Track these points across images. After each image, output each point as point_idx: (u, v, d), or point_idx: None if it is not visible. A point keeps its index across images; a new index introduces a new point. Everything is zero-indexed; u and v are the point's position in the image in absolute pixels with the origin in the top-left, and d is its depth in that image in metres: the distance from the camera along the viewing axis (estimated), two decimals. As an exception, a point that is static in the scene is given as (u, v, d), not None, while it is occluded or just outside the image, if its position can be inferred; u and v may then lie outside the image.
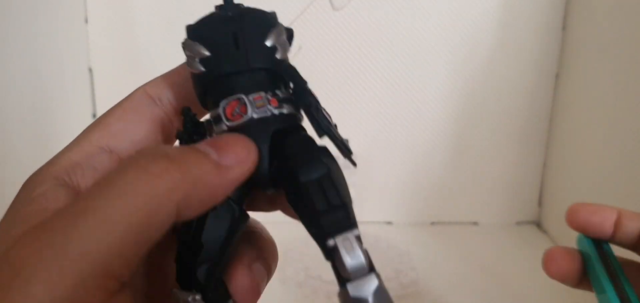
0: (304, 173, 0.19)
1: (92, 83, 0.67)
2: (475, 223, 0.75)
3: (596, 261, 0.32)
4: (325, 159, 0.20)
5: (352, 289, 0.17)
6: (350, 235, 0.18)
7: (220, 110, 0.20)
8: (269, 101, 0.20)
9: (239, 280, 0.21)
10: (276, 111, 0.20)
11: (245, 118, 0.19)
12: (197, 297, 0.19)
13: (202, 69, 0.20)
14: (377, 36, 0.67)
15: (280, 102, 0.20)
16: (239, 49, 0.20)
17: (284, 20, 0.64)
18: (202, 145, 0.18)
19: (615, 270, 0.31)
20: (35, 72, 0.55)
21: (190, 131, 0.21)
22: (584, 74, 0.64)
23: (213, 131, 0.20)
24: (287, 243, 0.63)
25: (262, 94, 0.20)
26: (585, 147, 0.63)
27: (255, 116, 0.20)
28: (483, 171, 0.73)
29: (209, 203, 0.18)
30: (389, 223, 0.74)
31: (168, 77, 0.23)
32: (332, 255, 0.18)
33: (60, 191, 0.19)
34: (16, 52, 0.51)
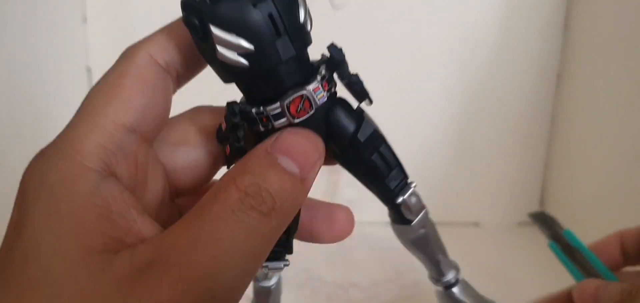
0: (366, 139, 0.22)
1: (90, 83, 0.67)
2: (476, 224, 0.75)
3: (563, 257, 0.35)
4: (373, 123, 0.23)
5: (416, 224, 0.25)
6: (411, 186, 0.24)
7: (284, 108, 0.19)
8: (323, 87, 0.20)
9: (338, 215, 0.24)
10: (328, 94, 0.21)
11: (310, 113, 0.20)
12: (286, 262, 0.24)
13: (246, 63, 0.19)
14: (378, 36, 0.67)
15: (329, 83, 0.21)
16: (280, 35, 0.19)
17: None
18: (284, 160, 0.18)
19: (578, 250, 0.34)
20: (34, 71, 0.54)
21: (237, 130, 0.20)
22: (586, 73, 0.64)
23: (270, 122, 0.20)
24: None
25: (319, 84, 0.20)
26: (587, 147, 0.63)
27: (317, 106, 0.20)
28: (484, 172, 0.73)
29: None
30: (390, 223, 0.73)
31: (172, 36, 0.21)
32: (399, 206, 0.24)
33: (112, 186, 0.18)
34: (14, 52, 0.51)
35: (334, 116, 0.21)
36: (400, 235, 0.25)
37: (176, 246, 0.16)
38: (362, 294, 0.57)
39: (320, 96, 0.20)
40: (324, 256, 0.59)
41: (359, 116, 0.22)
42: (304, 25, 0.20)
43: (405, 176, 0.24)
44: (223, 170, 0.21)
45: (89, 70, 0.67)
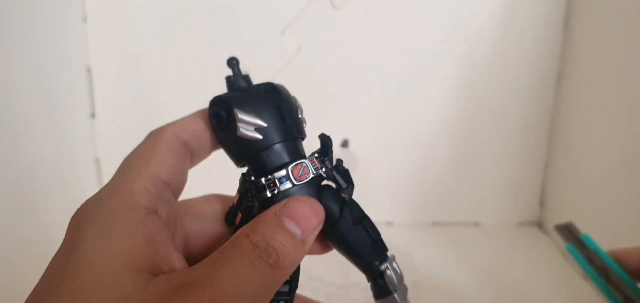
0: (353, 217, 0.25)
1: (90, 83, 0.67)
2: (476, 224, 0.75)
3: (582, 261, 0.34)
4: (355, 205, 0.26)
5: (398, 296, 0.25)
6: (391, 258, 0.26)
7: (288, 172, 0.25)
8: (317, 163, 0.26)
9: None
10: (321, 171, 0.26)
11: (308, 178, 0.25)
12: None
13: (259, 137, 0.24)
14: (378, 36, 0.67)
15: (321, 163, 0.26)
16: (285, 121, 0.25)
17: (284, 20, 0.64)
18: (289, 223, 0.22)
19: (598, 257, 0.33)
20: (34, 71, 0.54)
21: (248, 195, 0.25)
22: (586, 73, 0.64)
23: (276, 187, 0.25)
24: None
25: (314, 158, 0.26)
26: (587, 147, 0.63)
27: (313, 175, 0.25)
28: (484, 172, 0.73)
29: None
30: (390, 223, 0.73)
31: (189, 124, 0.26)
32: (381, 275, 0.25)
33: (157, 221, 0.22)
34: (15, 52, 0.51)
35: (323, 197, 0.25)
36: None
37: (206, 275, 0.20)
38: (362, 294, 0.57)
39: (315, 168, 0.25)
40: (324, 256, 0.59)
41: (343, 199, 0.26)
42: (301, 120, 0.26)
43: (386, 248, 0.26)
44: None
45: (88, 70, 0.67)
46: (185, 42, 0.67)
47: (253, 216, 0.24)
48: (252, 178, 0.25)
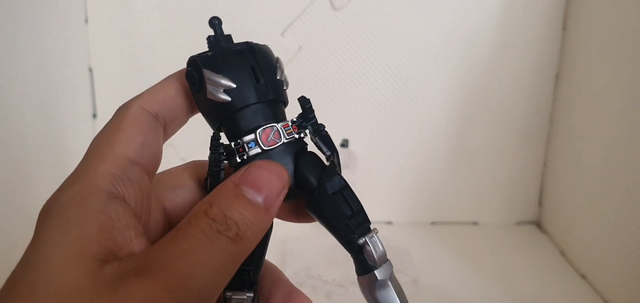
0: (330, 187, 0.24)
1: (92, 83, 0.68)
2: (475, 223, 0.75)
3: None
4: (336, 173, 0.24)
5: (379, 273, 0.23)
6: (373, 232, 0.24)
7: (257, 136, 0.23)
8: (292, 128, 0.24)
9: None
10: (296, 136, 0.24)
11: (278, 143, 0.24)
12: (250, 294, 0.24)
13: (228, 99, 0.23)
14: (377, 36, 0.67)
15: (299, 128, 0.25)
16: (259, 82, 0.24)
17: (284, 20, 0.65)
18: (249, 192, 0.21)
19: None
20: (36, 72, 0.55)
21: (218, 162, 0.24)
22: (584, 74, 0.64)
23: (245, 152, 0.23)
24: (287, 242, 0.63)
25: (289, 122, 0.24)
26: (585, 147, 0.63)
27: (285, 140, 0.24)
28: (483, 171, 0.73)
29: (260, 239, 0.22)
30: (389, 223, 0.74)
31: (158, 94, 0.24)
32: (361, 250, 0.23)
33: (118, 206, 0.20)
34: (17, 52, 0.51)
35: (301, 165, 0.24)
36: (364, 288, 0.24)
37: (158, 257, 0.19)
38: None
39: (289, 133, 0.24)
40: (324, 254, 0.59)
41: (325, 167, 0.25)
42: (280, 82, 0.25)
43: (367, 221, 0.24)
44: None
45: (90, 70, 0.67)
46: (186, 42, 0.67)
47: (221, 181, 0.23)
48: (222, 142, 0.24)
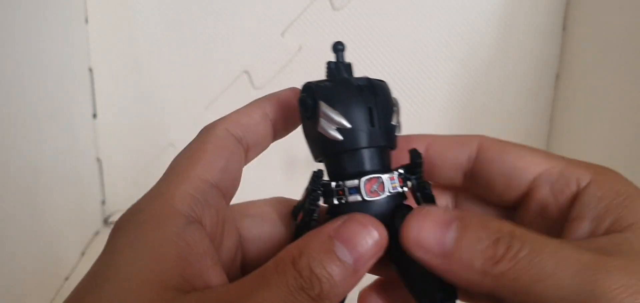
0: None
1: (92, 83, 0.68)
2: (475, 223, 0.75)
3: None
4: None
5: None
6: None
7: (360, 184, 0.22)
8: (398, 181, 0.23)
9: None
10: (400, 190, 0.23)
11: (381, 196, 0.22)
12: None
13: (340, 137, 0.22)
14: (377, 36, 0.67)
15: (404, 181, 0.23)
16: (373, 125, 0.22)
17: (284, 20, 0.65)
18: (341, 249, 0.19)
19: None
20: (36, 71, 0.55)
21: (314, 198, 0.23)
22: (584, 74, 0.64)
23: (345, 196, 0.22)
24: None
25: (395, 175, 0.23)
26: (585, 147, 0.63)
27: (388, 194, 0.22)
28: (483, 171, 0.73)
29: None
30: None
31: (243, 118, 0.24)
32: None
33: (195, 231, 0.20)
34: (17, 52, 0.51)
35: (397, 218, 0.22)
36: None
37: (240, 299, 0.19)
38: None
39: (394, 186, 0.23)
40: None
41: None
42: (393, 127, 0.23)
43: (455, 292, 0.22)
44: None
45: (90, 70, 0.67)
46: (186, 42, 0.67)
47: (314, 220, 0.23)
48: (323, 179, 0.23)
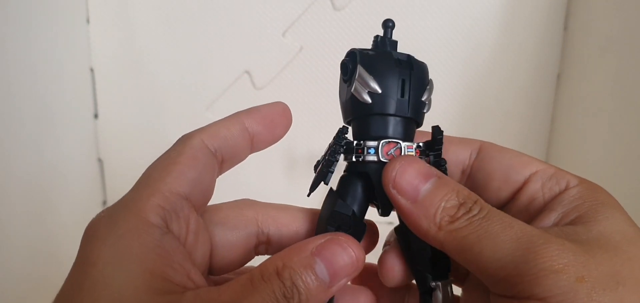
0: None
1: (93, 83, 0.68)
2: (476, 224, 0.75)
3: None
4: None
5: None
6: (448, 281, 0.24)
7: (379, 145, 0.24)
8: (415, 152, 0.24)
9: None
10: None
11: None
12: None
13: (369, 101, 0.24)
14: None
15: (421, 154, 0.25)
16: (403, 96, 0.24)
17: (285, 20, 0.65)
18: (320, 267, 0.21)
19: None
20: (37, 72, 0.55)
21: (335, 152, 0.24)
22: (585, 74, 0.64)
23: (363, 154, 0.24)
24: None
25: (413, 145, 0.24)
26: (586, 148, 0.63)
27: None
28: (484, 172, 0.73)
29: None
30: (391, 223, 0.73)
31: (222, 130, 0.25)
32: (430, 291, 0.24)
33: (171, 241, 0.21)
34: (17, 53, 0.51)
35: None
36: None
37: (232, 301, 0.20)
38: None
39: (409, 154, 0.24)
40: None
41: None
42: (422, 103, 0.25)
43: (447, 272, 0.25)
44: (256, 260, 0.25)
45: (92, 70, 0.67)
46: (188, 43, 0.67)
47: (330, 172, 0.24)
48: (347, 137, 0.25)
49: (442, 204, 0.22)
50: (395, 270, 0.26)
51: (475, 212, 0.21)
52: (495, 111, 0.71)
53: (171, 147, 0.24)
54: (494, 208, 0.21)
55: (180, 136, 0.24)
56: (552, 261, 0.19)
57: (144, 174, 0.23)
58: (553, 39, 0.68)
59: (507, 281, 0.19)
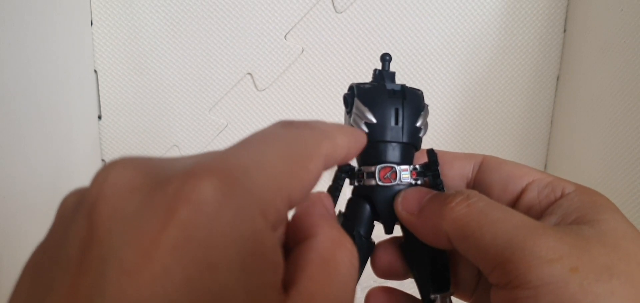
0: (431, 249, 0.25)
1: (97, 85, 0.68)
2: (476, 224, 0.75)
3: None
4: None
5: None
6: (448, 294, 0.26)
7: (376, 171, 0.26)
8: (411, 174, 0.26)
9: None
10: (413, 182, 0.26)
11: (393, 183, 0.26)
12: None
13: (366, 130, 0.26)
14: (379, 39, 0.67)
15: (418, 175, 0.27)
16: (397, 124, 0.26)
17: (287, 22, 0.65)
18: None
19: None
20: (42, 74, 0.55)
21: (338, 181, 0.27)
22: (584, 76, 0.64)
23: (363, 180, 0.26)
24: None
25: (408, 167, 0.26)
26: (585, 149, 0.63)
27: (401, 182, 0.26)
28: (484, 173, 0.73)
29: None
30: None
31: (338, 149, 0.23)
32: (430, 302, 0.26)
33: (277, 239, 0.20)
34: (22, 55, 0.51)
35: None
36: None
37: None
38: (363, 294, 0.57)
39: (405, 177, 0.26)
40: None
41: None
42: (417, 128, 0.27)
43: (447, 285, 0.26)
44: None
45: (96, 72, 0.68)
46: (190, 44, 0.68)
47: (336, 197, 0.26)
48: (351, 164, 0.27)
49: (439, 202, 0.23)
50: (385, 260, 0.28)
51: (474, 200, 0.22)
52: (495, 112, 0.71)
53: (295, 130, 0.19)
54: (492, 200, 0.22)
55: (303, 122, 0.20)
56: (548, 251, 0.19)
57: (267, 151, 0.18)
58: (553, 41, 0.68)
59: (503, 267, 0.20)
